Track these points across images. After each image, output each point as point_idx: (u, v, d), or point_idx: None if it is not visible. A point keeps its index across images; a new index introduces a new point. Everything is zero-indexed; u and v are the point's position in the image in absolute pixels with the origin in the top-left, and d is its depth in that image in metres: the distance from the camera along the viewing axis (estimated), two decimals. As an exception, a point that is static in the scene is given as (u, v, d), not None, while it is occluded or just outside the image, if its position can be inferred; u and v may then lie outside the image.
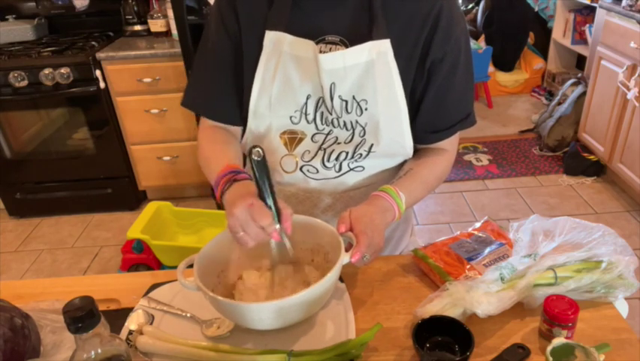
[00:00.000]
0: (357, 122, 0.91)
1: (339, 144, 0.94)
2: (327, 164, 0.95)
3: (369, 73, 0.87)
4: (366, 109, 0.90)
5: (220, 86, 0.97)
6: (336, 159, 0.94)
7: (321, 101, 0.91)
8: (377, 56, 0.86)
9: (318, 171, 0.96)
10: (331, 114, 0.91)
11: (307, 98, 0.91)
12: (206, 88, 0.98)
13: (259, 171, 0.71)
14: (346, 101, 0.90)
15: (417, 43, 0.88)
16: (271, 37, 0.89)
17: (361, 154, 0.94)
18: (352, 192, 0.99)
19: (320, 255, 0.90)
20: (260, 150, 0.70)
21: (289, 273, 0.89)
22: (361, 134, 0.92)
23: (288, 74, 0.89)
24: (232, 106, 0.98)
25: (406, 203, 0.90)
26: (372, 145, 0.93)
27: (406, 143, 0.95)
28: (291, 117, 0.93)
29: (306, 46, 0.87)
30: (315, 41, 0.87)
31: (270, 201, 0.74)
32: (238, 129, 1.02)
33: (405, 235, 1.15)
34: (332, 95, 0.89)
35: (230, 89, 0.96)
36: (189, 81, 1.02)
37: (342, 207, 0.99)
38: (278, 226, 0.76)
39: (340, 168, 0.96)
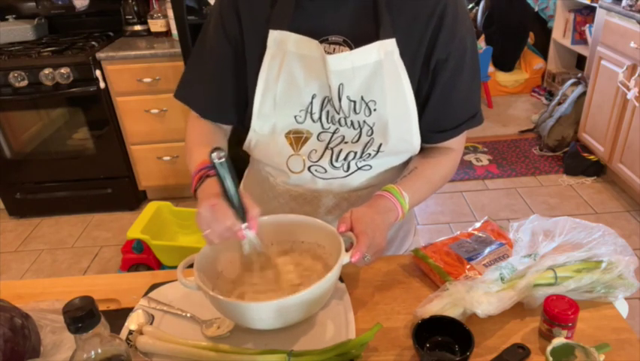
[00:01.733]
0: (365, 122, 0.91)
1: (346, 143, 0.93)
2: (335, 164, 0.95)
3: (377, 73, 0.87)
4: (374, 109, 0.89)
5: (214, 88, 0.97)
6: (345, 158, 0.94)
7: (326, 100, 0.90)
8: (385, 56, 0.86)
9: (326, 171, 0.95)
10: (339, 114, 0.91)
11: (312, 98, 0.91)
12: (200, 86, 0.99)
13: (221, 173, 0.72)
14: (354, 102, 0.89)
15: (421, 42, 0.87)
16: (275, 36, 0.88)
17: (370, 154, 0.94)
18: (359, 191, 0.99)
19: (320, 255, 0.90)
20: (221, 152, 0.71)
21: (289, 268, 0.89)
22: (369, 133, 0.92)
23: (293, 74, 0.89)
24: (224, 107, 0.98)
25: (409, 203, 0.90)
26: (380, 145, 0.92)
27: (414, 141, 0.94)
28: (295, 117, 0.92)
29: (310, 45, 0.86)
30: (318, 41, 0.87)
31: (234, 201, 0.75)
32: (228, 126, 1.03)
33: (408, 235, 1.15)
34: (340, 95, 0.88)
35: (225, 90, 0.96)
36: (184, 74, 1.02)
37: (348, 207, 0.99)
38: (244, 225, 0.77)
39: (349, 168, 0.95)
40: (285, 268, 0.88)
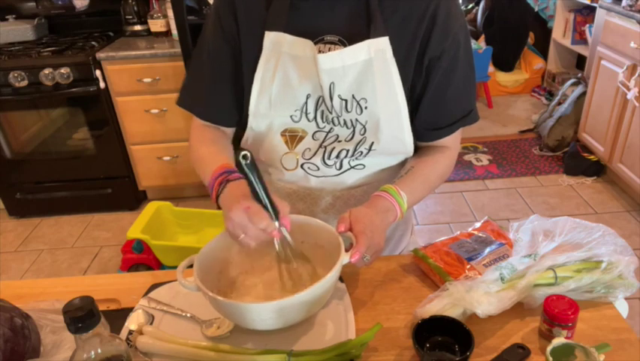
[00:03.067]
0: (357, 120, 0.91)
1: (339, 141, 0.94)
2: (327, 162, 0.95)
3: (367, 71, 0.87)
4: (365, 107, 0.90)
5: (215, 90, 0.97)
6: (337, 156, 0.94)
7: (321, 100, 0.91)
8: (375, 54, 0.86)
9: (318, 169, 0.96)
10: (331, 113, 0.91)
11: (307, 98, 0.91)
12: (202, 90, 0.99)
13: (250, 174, 0.72)
14: (346, 101, 0.90)
15: (414, 40, 0.88)
16: (271, 37, 0.89)
17: (362, 152, 0.94)
18: (353, 190, 0.99)
19: (320, 255, 0.90)
20: (247, 152, 0.70)
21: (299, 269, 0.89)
22: (362, 132, 0.92)
23: (288, 74, 0.90)
24: (226, 109, 0.98)
25: (407, 202, 0.90)
26: (372, 143, 0.93)
27: (406, 140, 0.95)
28: (291, 116, 0.93)
29: (304, 45, 0.87)
30: (314, 41, 0.87)
31: (265, 201, 0.75)
32: (230, 128, 1.03)
33: (405, 235, 1.15)
34: (331, 94, 0.89)
35: (225, 92, 0.97)
36: (185, 81, 1.02)
37: (343, 205, 1.00)
38: (277, 224, 0.77)
39: (341, 166, 0.96)
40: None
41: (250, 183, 0.73)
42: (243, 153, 0.70)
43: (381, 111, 0.90)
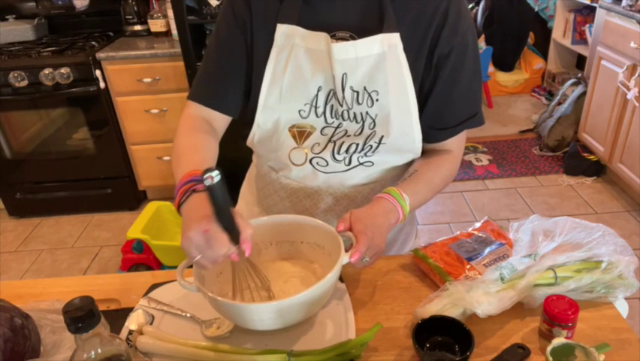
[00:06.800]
0: (367, 113, 0.92)
1: (348, 136, 0.94)
2: (337, 156, 0.95)
3: (380, 65, 0.88)
4: (377, 100, 0.91)
5: (220, 75, 0.96)
6: (347, 151, 0.95)
7: (331, 93, 0.92)
8: (388, 49, 0.88)
9: (327, 164, 0.96)
10: (342, 105, 0.92)
11: (318, 90, 0.92)
12: (204, 75, 0.98)
13: (213, 196, 0.66)
14: (357, 92, 0.91)
15: (425, 38, 0.89)
16: (283, 30, 0.90)
17: (371, 146, 0.94)
18: (360, 188, 0.99)
19: (320, 255, 0.90)
20: (213, 172, 0.64)
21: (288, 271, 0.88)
22: (371, 126, 0.93)
23: (300, 66, 0.90)
24: (228, 95, 0.97)
25: (410, 205, 0.90)
26: (382, 137, 0.93)
27: (415, 137, 0.95)
28: (300, 111, 0.93)
29: (318, 38, 0.88)
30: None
31: (227, 223, 0.70)
32: (223, 122, 1.00)
33: (410, 238, 1.15)
34: (343, 85, 0.90)
35: (230, 78, 0.96)
36: (196, 76, 1.01)
37: (349, 203, 1.00)
38: (236, 248, 0.73)
39: (350, 162, 0.96)
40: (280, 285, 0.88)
41: (213, 204, 0.67)
42: (208, 172, 0.64)
43: (392, 105, 0.90)
